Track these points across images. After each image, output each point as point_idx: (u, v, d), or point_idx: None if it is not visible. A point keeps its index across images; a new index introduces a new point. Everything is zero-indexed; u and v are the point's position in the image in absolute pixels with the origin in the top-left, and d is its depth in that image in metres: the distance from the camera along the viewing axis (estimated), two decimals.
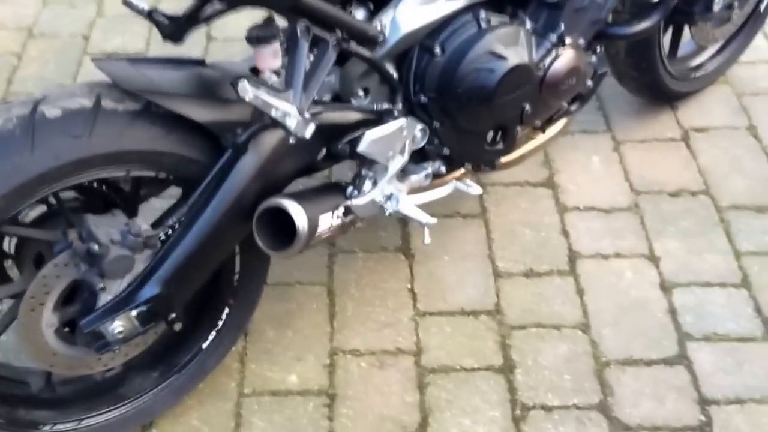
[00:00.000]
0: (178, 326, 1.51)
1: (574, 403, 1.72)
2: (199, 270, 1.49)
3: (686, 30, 2.20)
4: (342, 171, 1.96)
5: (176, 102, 1.36)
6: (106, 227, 1.38)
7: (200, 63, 1.47)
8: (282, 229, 1.46)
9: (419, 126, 1.61)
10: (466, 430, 1.68)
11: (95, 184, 1.48)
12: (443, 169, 1.72)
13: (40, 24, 2.69)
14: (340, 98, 1.57)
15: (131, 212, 1.52)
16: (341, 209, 1.54)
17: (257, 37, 1.34)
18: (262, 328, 1.85)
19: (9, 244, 1.52)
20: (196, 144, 1.43)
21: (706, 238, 2.04)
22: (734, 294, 1.92)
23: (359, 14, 1.53)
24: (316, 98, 1.49)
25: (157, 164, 1.41)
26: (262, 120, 1.38)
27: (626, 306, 1.89)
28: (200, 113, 1.38)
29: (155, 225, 1.45)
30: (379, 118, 1.56)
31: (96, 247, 1.35)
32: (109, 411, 1.62)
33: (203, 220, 1.43)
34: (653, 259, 1.99)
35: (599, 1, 1.70)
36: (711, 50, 2.35)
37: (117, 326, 1.43)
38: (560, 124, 1.89)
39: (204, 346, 1.67)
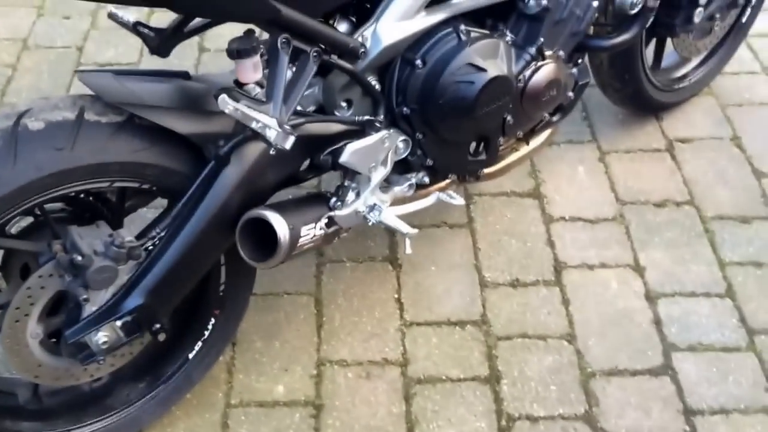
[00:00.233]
0: (162, 336, 1.52)
1: (559, 413, 1.72)
2: (183, 280, 1.50)
3: (669, 41, 2.22)
4: (332, 181, 1.97)
5: (159, 114, 1.37)
6: (90, 238, 1.39)
7: (184, 75, 1.48)
8: (265, 239, 1.47)
9: (401, 137, 1.62)
10: None
11: (82, 195, 1.49)
12: (427, 179, 1.73)
13: (35, 35, 2.71)
14: (324, 109, 1.59)
15: (117, 223, 1.53)
16: (324, 220, 1.55)
17: (237, 50, 1.35)
18: (250, 338, 1.86)
19: None
20: (180, 155, 1.44)
21: (691, 248, 2.05)
22: (719, 304, 1.93)
23: (342, 27, 1.54)
24: (299, 109, 1.50)
25: (140, 176, 1.41)
26: (244, 131, 1.39)
27: (612, 316, 1.90)
28: (183, 125, 1.40)
29: (140, 236, 1.46)
30: (361, 130, 1.57)
31: (79, 258, 1.36)
32: (97, 422, 1.62)
33: (187, 231, 1.44)
34: (638, 269, 2.01)
35: (578, 14, 1.71)
36: (694, 61, 2.37)
37: (101, 337, 1.44)
38: (544, 135, 1.90)
39: (190, 356, 1.68)
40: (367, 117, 1.58)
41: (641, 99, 2.26)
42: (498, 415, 1.72)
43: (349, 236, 1.99)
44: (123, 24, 1.49)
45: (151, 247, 1.46)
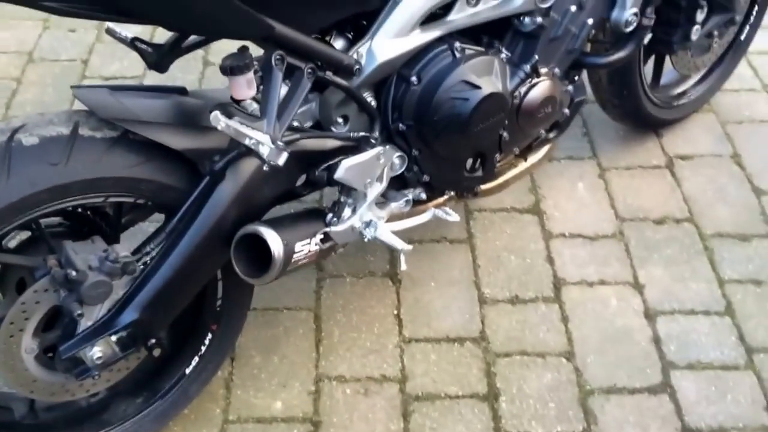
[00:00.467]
0: (157, 351, 1.52)
1: (558, 431, 1.71)
2: (178, 296, 1.50)
3: (668, 58, 2.22)
4: (333, 196, 1.98)
5: (153, 130, 1.38)
6: (85, 253, 1.39)
7: (181, 91, 1.49)
8: (260, 255, 1.48)
9: (397, 153, 1.63)
10: None
11: (79, 210, 1.49)
12: (424, 195, 1.73)
13: (40, 49, 2.73)
14: (320, 125, 1.60)
15: (114, 238, 1.53)
16: (320, 236, 1.55)
17: (230, 67, 1.36)
18: (249, 353, 1.85)
19: None
20: (175, 171, 1.44)
21: (690, 265, 2.04)
22: (718, 322, 1.92)
23: (339, 44, 1.55)
24: (295, 125, 1.51)
25: (135, 191, 1.42)
26: (239, 147, 1.40)
27: (610, 334, 1.89)
28: (178, 141, 1.40)
29: (136, 251, 1.47)
30: (357, 146, 1.58)
31: (74, 273, 1.36)
32: None
33: (182, 247, 1.45)
34: (637, 286, 2.00)
35: (574, 32, 1.72)
36: (694, 78, 2.37)
37: (96, 352, 1.44)
38: (541, 151, 1.90)
39: (188, 371, 1.68)
40: (362, 133, 1.59)
41: (640, 115, 2.26)
42: None
43: (349, 251, 2.00)
44: (121, 39, 1.50)
45: (147, 262, 1.46)
